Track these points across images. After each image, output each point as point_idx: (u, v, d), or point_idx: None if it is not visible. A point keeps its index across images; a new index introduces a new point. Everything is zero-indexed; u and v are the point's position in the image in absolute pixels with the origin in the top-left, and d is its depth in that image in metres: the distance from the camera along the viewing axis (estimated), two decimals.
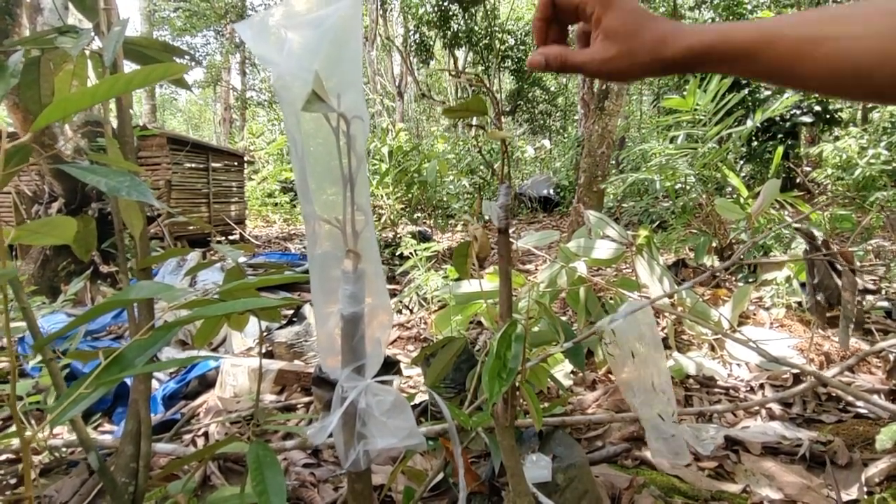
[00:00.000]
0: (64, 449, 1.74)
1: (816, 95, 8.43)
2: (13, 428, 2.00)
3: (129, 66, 1.17)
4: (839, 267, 1.80)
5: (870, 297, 2.92)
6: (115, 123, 1.19)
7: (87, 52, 1.12)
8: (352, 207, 0.67)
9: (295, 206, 12.22)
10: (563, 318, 2.79)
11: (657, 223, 5.74)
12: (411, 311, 3.51)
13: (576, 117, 15.57)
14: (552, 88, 19.94)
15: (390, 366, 2.24)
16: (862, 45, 0.46)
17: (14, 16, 3.05)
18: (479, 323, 3.05)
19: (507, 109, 18.50)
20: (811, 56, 0.48)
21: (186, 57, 1.19)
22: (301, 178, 0.66)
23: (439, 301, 3.42)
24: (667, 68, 0.53)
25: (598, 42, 0.55)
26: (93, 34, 1.07)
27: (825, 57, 0.47)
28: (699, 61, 0.52)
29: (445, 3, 14.89)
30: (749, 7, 9.10)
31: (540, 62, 0.59)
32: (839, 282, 1.80)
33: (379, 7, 16.82)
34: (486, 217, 0.89)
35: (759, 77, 0.52)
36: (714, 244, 3.55)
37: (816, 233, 1.96)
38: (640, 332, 1.06)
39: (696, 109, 3.56)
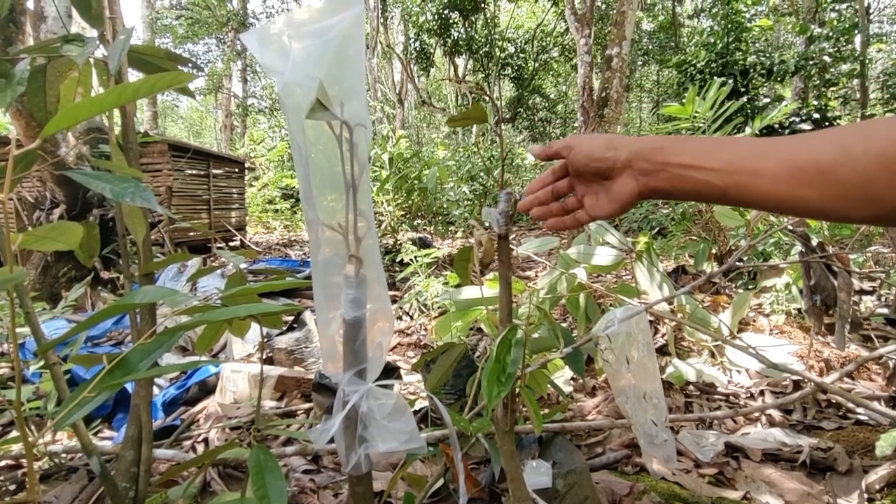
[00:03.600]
0: (63, 455, 1.74)
1: (816, 103, 8.48)
2: (13, 433, 2.00)
3: (133, 74, 1.18)
4: (835, 269, 1.81)
5: (866, 298, 2.92)
6: (118, 130, 1.20)
7: (92, 60, 1.14)
8: (354, 213, 0.68)
9: (295, 212, 12.24)
10: (563, 325, 2.79)
11: (657, 230, 5.76)
12: (411, 318, 3.52)
13: (575, 124, 15.61)
14: (552, 96, 20.04)
15: (390, 371, 2.24)
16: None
17: (18, 24, 3.07)
18: (480, 329, 3.05)
19: (507, 117, 18.57)
20: (781, 151, 0.49)
21: (190, 65, 1.20)
22: (305, 184, 0.67)
23: (439, 307, 3.42)
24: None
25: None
26: (98, 42, 1.08)
27: (793, 152, 0.49)
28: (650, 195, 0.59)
29: (446, 12, 14.99)
30: (747, 16, 9.16)
31: (534, 150, 0.71)
32: (835, 283, 1.81)
33: (380, 15, 16.93)
34: (487, 223, 0.90)
35: (713, 191, 0.54)
36: (714, 251, 3.56)
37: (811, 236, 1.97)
38: (635, 338, 1.07)
39: (695, 116, 3.57)
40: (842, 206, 0.46)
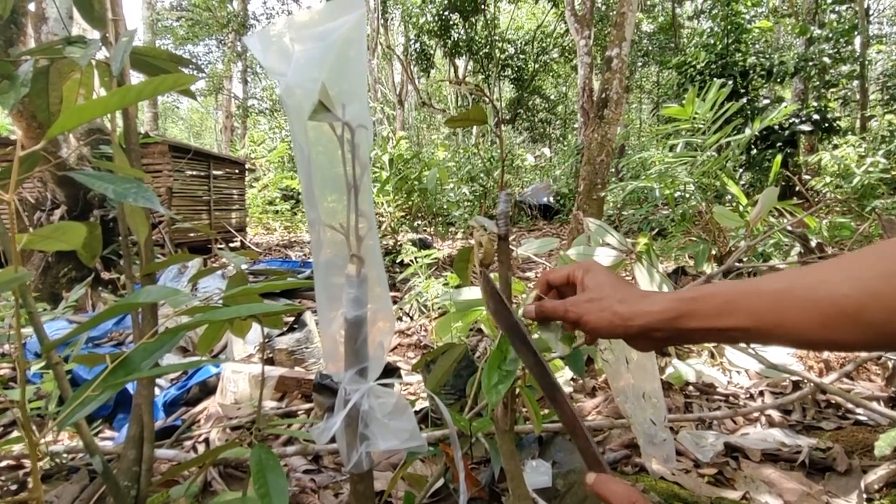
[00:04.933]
0: (65, 455, 1.74)
1: (816, 104, 8.49)
2: (14, 434, 2.01)
3: (134, 76, 1.19)
4: None
5: None
6: (119, 131, 1.20)
7: (94, 62, 1.14)
8: (355, 214, 0.69)
9: (295, 213, 12.25)
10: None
11: (657, 231, 5.77)
12: (412, 318, 3.52)
13: (575, 125, 15.63)
14: (552, 97, 20.06)
15: (391, 372, 2.24)
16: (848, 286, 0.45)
17: (20, 25, 3.08)
18: (480, 330, 3.06)
19: (508, 118, 18.59)
20: (800, 299, 0.48)
21: (191, 66, 1.21)
22: (306, 185, 0.67)
23: (439, 308, 3.43)
24: (641, 321, 0.57)
25: (578, 293, 0.63)
26: (100, 44, 1.09)
27: (815, 300, 0.47)
28: (682, 314, 0.54)
29: (446, 13, 15.01)
30: (747, 17, 9.17)
31: (530, 311, 0.67)
32: None
33: (380, 16, 16.95)
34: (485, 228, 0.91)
35: (737, 338, 0.53)
36: (714, 252, 3.57)
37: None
38: None
39: (694, 118, 3.58)
40: (875, 342, 0.45)
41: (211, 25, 17.83)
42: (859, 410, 1.93)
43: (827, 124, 8.10)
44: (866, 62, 11.42)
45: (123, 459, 1.15)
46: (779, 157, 4.20)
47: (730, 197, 3.95)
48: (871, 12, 15.24)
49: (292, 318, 2.90)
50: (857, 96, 12.24)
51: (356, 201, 0.69)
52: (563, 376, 2.24)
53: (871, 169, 6.06)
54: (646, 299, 0.57)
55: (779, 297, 0.49)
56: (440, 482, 1.38)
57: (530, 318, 0.67)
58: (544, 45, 17.63)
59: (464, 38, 15.93)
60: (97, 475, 1.52)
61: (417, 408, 2.07)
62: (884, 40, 14.57)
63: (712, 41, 9.12)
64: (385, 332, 0.74)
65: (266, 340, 2.74)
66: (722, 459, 1.68)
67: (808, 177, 8.17)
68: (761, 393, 2.20)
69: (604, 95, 5.40)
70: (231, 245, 8.18)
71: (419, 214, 7.27)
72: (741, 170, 8.16)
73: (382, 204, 6.00)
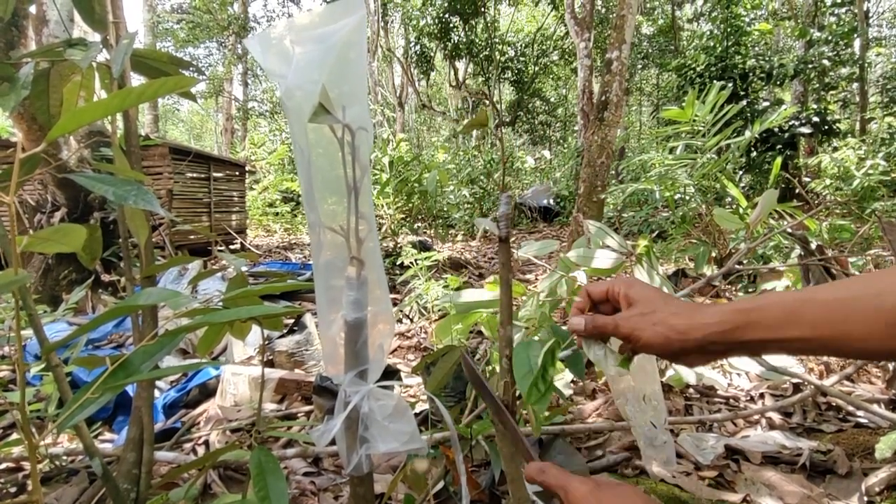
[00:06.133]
0: (64, 457, 1.74)
1: (815, 106, 8.50)
2: (13, 436, 2.00)
3: (135, 78, 1.19)
4: (834, 272, 1.81)
5: None
6: (120, 133, 1.21)
7: (94, 64, 1.15)
8: (356, 216, 0.69)
9: (296, 215, 12.25)
10: (564, 328, 2.80)
11: (657, 233, 5.77)
12: (412, 321, 3.52)
13: (575, 128, 15.65)
14: (552, 99, 20.09)
15: (391, 374, 2.24)
16: None
17: (21, 27, 3.09)
18: (480, 332, 3.06)
19: (508, 120, 18.62)
20: (865, 308, 0.47)
21: (192, 69, 1.21)
22: (307, 187, 0.67)
23: (439, 310, 3.43)
24: (698, 333, 0.55)
25: (625, 308, 0.61)
26: (101, 46, 1.09)
27: (882, 309, 0.46)
28: (739, 327, 0.53)
29: (446, 15, 15.04)
30: (747, 20, 9.19)
31: (578, 325, 0.64)
32: None
33: (380, 19, 16.99)
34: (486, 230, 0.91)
35: (796, 349, 0.52)
36: (714, 254, 3.57)
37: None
38: None
39: (694, 120, 3.58)
40: None
41: (211, 28, 17.86)
42: (860, 413, 1.93)
43: (827, 127, 8.10)
44: (866, 65, 11.44)
45: (123, 462, 1.15)
46: (778, 160, 4.20)
47: (730, 199, 3.95)
48: (870, 15, 15.27)
49: (292, 321, 2.90)
50: (857, 99, 12.25)
51: (356, 203, 0.69)
52: (564, 378, 2.24)
53: (870, 171, 6.06)
54: (700, 311, 0.55)
55: (841, 307, 0.48)
56: (440, 485, 1.38)
57: (578, 332, 0.64)
58: (544, 47, 17.66)
59: (464, 40, 15.96)
60: (97, 477, 1.52)
61: (417, 410, 2.07)
62: (883, 43, 14.59)
63: (712, 44, 9.14)
64: (385, 334, 0.74)
65: (266, 342, 2.74)
66: (722, 462, 1.68)
67: (807, 179, 8.17)
68: (762, 395, 2.20)
69: (604, 98, 5.41)
70: (231, 247, 8.19)
71: (419, 216, 7.27)
72: (741, 172, 8.16)
73: (382, 206, 6.00)
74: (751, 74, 8.75)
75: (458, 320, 2.38)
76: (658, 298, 0.59)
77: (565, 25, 13.83)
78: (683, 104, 3.54)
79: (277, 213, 12.21)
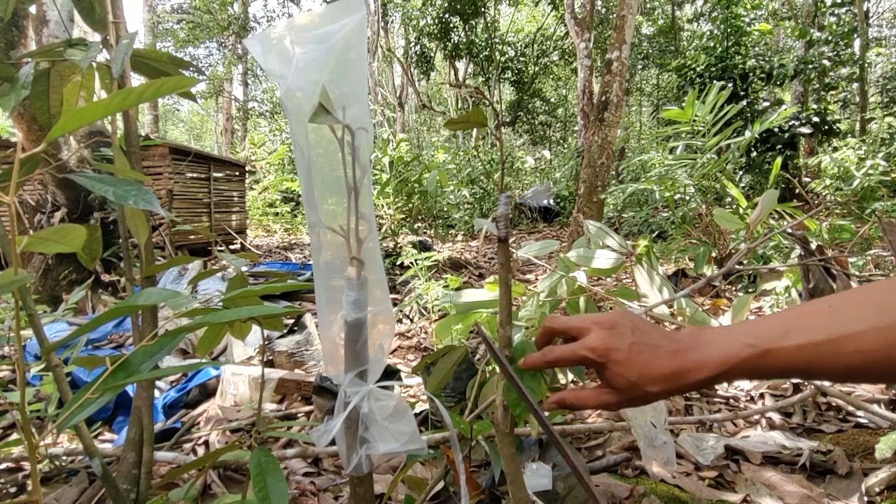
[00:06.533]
0: (64, 457, 1.74)
1: (815, 107, 8.50)
2: (13, 436, 2.00)
3: (135, 78, 1.19)
4: (834, 272, 1.81)
5: None
6: (120, 133, 1.21)
7: (95, 64, 1.15)
8: (356, 216, 0.69)
9: (296, 215, 12.26)
10: None
11: (657, 233, 5.77)
12: (412, 321, 3.52)
13: (576, 128, 15.66)
14: (552, 100, 20.09)
15: (391, 374, 2.24)
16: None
17: (21, 28, 3.09)
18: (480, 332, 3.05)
19: (508, 120, 18.62)
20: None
21: (192, 69, 1.21)
22: (307, 187, 0.67)
23: (440, 310, 3.43)
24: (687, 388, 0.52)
25: (605, 383, 0.55)
26: (101, 47, 1.09)
27: None
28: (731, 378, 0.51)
29: (446, 16, 15.05)
30: (747, 20, 9.19)
31: (535, 361, 0.60)
32: (834, 286, 1.81)
33: (380, 19, 16.99)
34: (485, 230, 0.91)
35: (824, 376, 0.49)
36: (714, 254, 3.57)
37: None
38: None
39: (694, 120, 3.59)
40: None
41: (212, 28, 17.86)
42: (860, 413, 1.93)
43: (827, 127, 8.09)
44: (866, 65, 11.44)
45: (123, 462, 1.15)
46: (779, 160, 4.20)
47: (730, 199, 3.95)
48: (870, 15, 15.27)
49: (292, 321, 2.90)
50: (857, 99, 12.25)
51: (356, 204, 0.69)
52: (563, 379, 2.23)
53: (870, 171, 6.06)
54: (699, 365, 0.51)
55: (804, 356, 0.47)
56: (440, 485, 1.38)
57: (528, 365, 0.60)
58: (544, 47, 17.66)
59: (464, 40, 15.97)
60: (97, 478, 1.52)
61: (417, 410, 2.07)
62: (883, 43, 14.58)
63: (712, 44, 9.14)
64: (385, 334, 0.74)
65: (266, 343, 2.74)
66: (722, 462, 1.68)
67: (807, 179, 8.18)
68: (762, 395, 2.20)
69: (604, 98, 5.41)
70: (231, 247, 8.19)
71: (419, 217, 7.27)
72: (741, 172, 8.16)
73: (382, 206, 6.00)
74: (751, 74, 8.75)
75: (458, 320, 2.39)
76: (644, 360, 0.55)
77: (565, 25, 13.83)
78: (683, 104, 3.55)
79: (277, 214, 12.21)
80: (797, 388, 2.17)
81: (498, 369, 0.70)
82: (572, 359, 0.55)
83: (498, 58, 16.70)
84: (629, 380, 0.52)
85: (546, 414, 0.62)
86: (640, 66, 18.00)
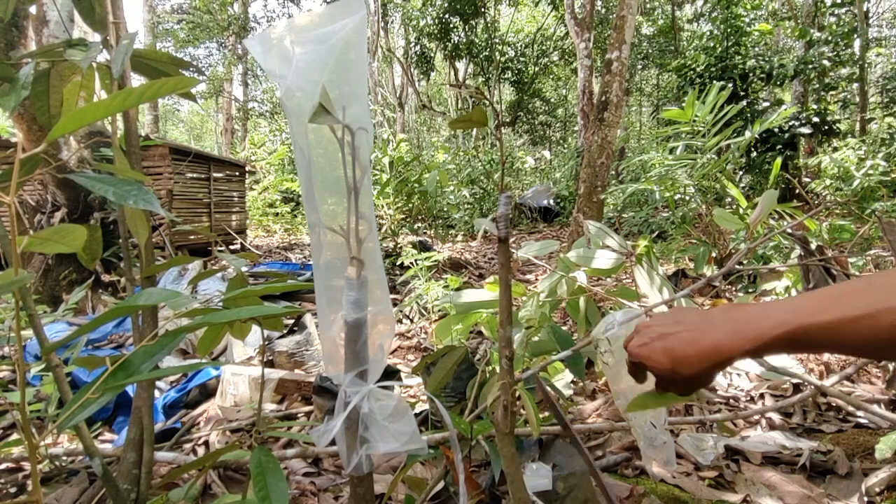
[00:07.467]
0: (64, 458, 1.74)
1: (815, 107, 8.50)
2: (13, 436, 2.00)
3: (135, 78, 1.19)
4: (834, 272, 1.81)
5: None
6: (120, 134, 1.21)
7: (95, 64, 1.15)
8: (356, 216, 0.69)
9: (296, 215, 12.25)
10: (564, 328, 2.80)
11: (657, 233, 5.77)
12: (412, 321, 3.52)
13: (575, 128, 15.65)
14: (552, 100, 20.08)
15: (391, 374, 2.24)
16: None
17: (21, 28, 3.09)
18: (480, 332, 3.06)
19: (508, 120, 18.61)
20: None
21: (192, 69, 1.21)
22: (307, 187, 0.67)
23: (440, 311, 3.43)
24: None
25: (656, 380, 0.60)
26: (101, 47, 1.09)
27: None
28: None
29: (446, 16, 15.04)
30: (747, 20, 9.18)
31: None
32: None
33: (380, 19, 16.99)
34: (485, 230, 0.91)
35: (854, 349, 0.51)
36: (714, 254, 3.57)
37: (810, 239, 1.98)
38: None
39: (694, 120, 3.59)
40: None
41: (212, 28, 17.86)
42: (860, 413, 1.93)
43: (827, 127, 8.08)
44: (866, 65, 11.44)
45: (123, 462, 1.15)
46: (779, 160, 4.20)
47: (730, 199, 3.95)
48: (870, 15, 15.27)
49: (292, 321, 2.90)
50: (857, 99, 12.25)
51: (356, 204, 0.69)
52: (564, 379, 2.24)
53: (870, 171, 6.06)
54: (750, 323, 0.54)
55: (844, 329, 0.49)
56: (440, 485, 1.38)
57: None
58: (544, 47, 17.66)
59: (464, 40, 15.96)
60: (97, 478, 1.52)
61: (417, 410, 2.07)
62: (883, 43, 14.57)
63: (712, 44, 9.13)
64: (385, 334, 0.74)
65: (266, 343, 2.74)
66: (722, 462, 1.68)
67: (807, 179, 8.17)
68: (762, 396, 2.20)
69: (604, 98, 5.41)
70: (231, 247, 8.19)
71: (419, 217, 7.27)
72: (741, 172, 8.16)
73: (382, 206, 6.00)
74: (751, 75, 8.75)
75: (458, 320, 2.39)
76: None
77: (565, 26, 13.83)
78: (683, 105, 3.54)
79: (277, 214, 12.21)
80: (797, 389, 2.17)
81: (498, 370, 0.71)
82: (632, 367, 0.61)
83: (498, 58, 16.70)
84: (667, 368, 0.56)
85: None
86: (640, 66, 18.00)
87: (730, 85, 8.13)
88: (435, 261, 4.07)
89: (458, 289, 2.92)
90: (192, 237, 7.16)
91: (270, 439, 1.91)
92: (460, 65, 18.39)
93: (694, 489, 1.54)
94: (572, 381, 2.29)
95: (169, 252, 4.56)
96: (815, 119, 7.97)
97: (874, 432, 1.80)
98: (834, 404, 2.03)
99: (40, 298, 3.50)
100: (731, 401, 2.18)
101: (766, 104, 8.51)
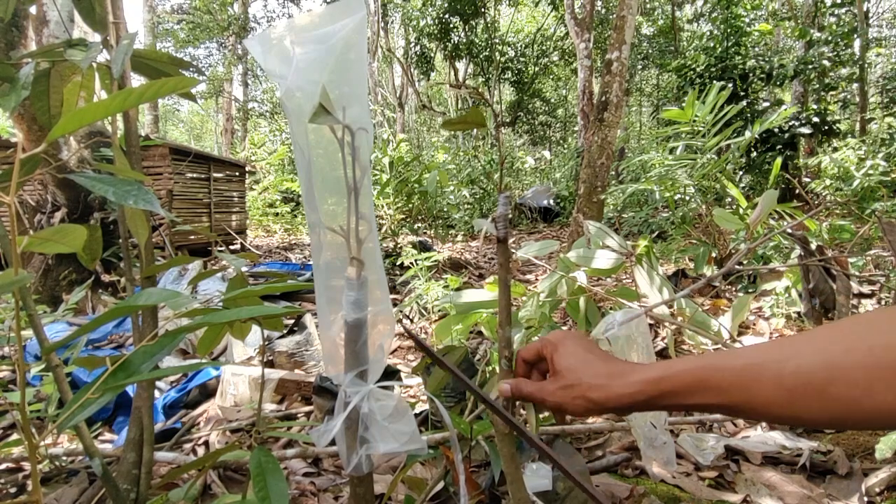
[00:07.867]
0: (64, 458, 1.74)
1: (815, 107, 8.50)
2: (13, 437, 2.00)
3: (135, 78, 1.19)
4: (834, 272, 1.81)
5: (866, 301, 2.92)
6: (120, 134, 1.21)
7: (95, 65, 1.15)
8: (356, 216, 0.69)
9: (296, 215, 12.26)
10: (564, 328, 2.79)
11: (657, 233, 5.76)
12: (412, 321, 3.52)
13: (575, 128, 15.66)
14: (552, 100, 20.09)
15: (391, 375, 2.24)
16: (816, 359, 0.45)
17: (21, 28, 3.09)
18: (480, 332, 3.06)
19: (508, 121, 18.62)
20: (769, 374, 0.47)
21: (192, 69, 1.21)
22: (307, 187, 0.68)
23: (440, 311, 3.43)
24: (615, 404, 0.57)
25: (550, 377, 0.64)
26: (101, 47, 1.09)
27: (783, 375, 0.46)
28: (653, 396, 0.54)
29: (446, 16, 15.05)
30: (747, 20, 9.19)
31: (506, 390, 0.67)
32: (834, 286, 1.81)
33: (380, 19, 17.00)
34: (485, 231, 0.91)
35: (715, 408, 0.52)
36: (714, 254, 3.57)
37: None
38: (634, 341, 1.07)
39: (694, 121, 3.59)
40: (842, 418, 0.44)
41: (212, 28, 17.86)
42: None
43: (827, 127, 8.09)
44: (866, 65, 11.44)
45: (123, 462, 1.15)
46: (778, 160, 4.20)
47: (730, 199, 3.95)
48: (870, 15, 15.28)
49: (292, 321, 2.90)
50: (857, 99, 12.25)
51: (356, 204, 0.69)
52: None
53: (870, 171, 6.06)
54: (618, 380, 0.57)
55: (748, 374, 0.48)
56: (440, 485, 1.38)
57: (505, 396, 0.67)
58: (544, 48, 17.66)
59: (464, 41, 15.97)
60: (97, 478, 1.52)
61: (417, 410, 2.07)
62: (883, 43, 14.58)
63: (712, 44, 9.14)
64: (385, 334, 0.74)
65: (266, 343, 2.74)
66: (722, 462, 1.68)
67: (807, 179, 8.17)
68: None
69: (604, 98, 5.41)
70: (231, 247, 8.19)
71: (419, 217, 7.27)
72: (741, 172, 8.16)
73: (382, 206, 6.00)
74: (751, 75, 8.75)
75: (458, 321, 2.39)
76: (579, 366, 0.60)
77: (565, 26, 13.83)
78: (683, 105, 3.55)
79: (277, 214, 12.22)
80: None
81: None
82: (534, 400, 0.64)
83: (498, 58, 16.70)
84: (576, 360, 0.61)
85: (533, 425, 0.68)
86: (640, 67, 18.00)
87: (730, 85, 8.13)
88: (435, 261, 4.07)
89: (458, 289, 2.92)
90: (192, 237, 7.16)
91: (270, 439, 1.91)
92: (460, 65, 18.39)
93: (694, 489, 1.54)
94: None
95: (169, 252, 4.56)
96: (815, 119, 7.98)
97: (874, 432, 1.80)
98: None
99: (40, 298, 3.50)
100: None
101: (766, 104, 8.52)
